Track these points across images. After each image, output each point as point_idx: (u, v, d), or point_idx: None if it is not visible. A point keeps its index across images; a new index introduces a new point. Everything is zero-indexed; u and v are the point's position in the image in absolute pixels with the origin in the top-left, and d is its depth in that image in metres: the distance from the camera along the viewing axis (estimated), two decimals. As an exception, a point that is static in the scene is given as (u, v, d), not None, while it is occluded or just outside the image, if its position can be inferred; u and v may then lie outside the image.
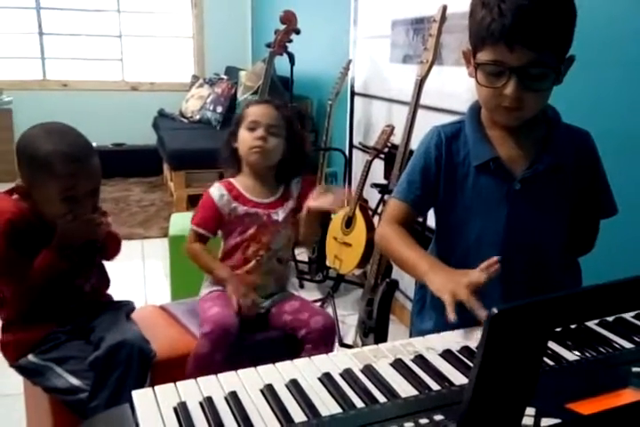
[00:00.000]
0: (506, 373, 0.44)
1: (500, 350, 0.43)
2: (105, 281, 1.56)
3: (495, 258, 0.97)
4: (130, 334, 1.36)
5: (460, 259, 1.13)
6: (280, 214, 1.65)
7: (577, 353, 0.88)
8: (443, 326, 1.03)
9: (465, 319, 0.95)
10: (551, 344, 0.90)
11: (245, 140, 1.62)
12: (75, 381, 1.33)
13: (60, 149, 1.30)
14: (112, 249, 1.53)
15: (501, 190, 1.08)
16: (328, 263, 2.83)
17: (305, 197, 1.69)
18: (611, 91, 1.52)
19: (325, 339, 1.56)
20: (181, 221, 2.41)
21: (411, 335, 1.18)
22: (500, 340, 0.42)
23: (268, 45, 3.07)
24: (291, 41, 3.05)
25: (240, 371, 0.85)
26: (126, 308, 1.54)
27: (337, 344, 2.32)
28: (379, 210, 2.48)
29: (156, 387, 0.81)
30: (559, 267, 1.16)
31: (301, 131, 1.73)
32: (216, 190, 1.64)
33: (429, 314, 1.20)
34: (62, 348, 1.38)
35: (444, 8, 1.90)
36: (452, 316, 0.92)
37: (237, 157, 1.67)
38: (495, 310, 0.41)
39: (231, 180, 1.68)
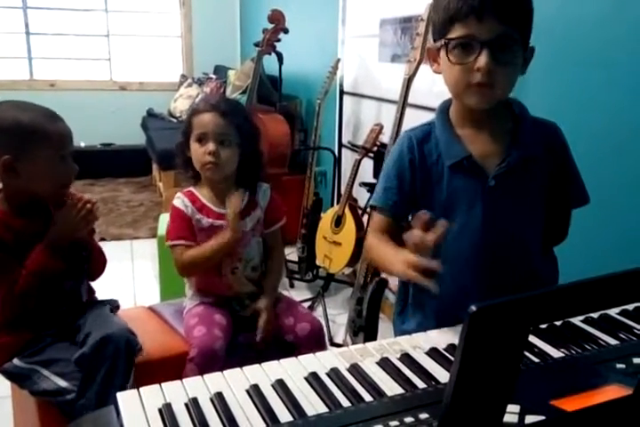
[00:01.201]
0: (486, 370, 0.44)
1: (479, 347, 0.43)
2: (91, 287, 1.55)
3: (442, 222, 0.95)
4: (115, 328, 1.35)
5: (442, 259, 1.13)
6: (248, 224, 1.60)
7: (562, 350, 0.88)
8: (424, 326, 1.05)
9: (446, 320, 0.96)
10: (536, 341, 0.91)
11: (197, 154, 1.55)
12: (62, 382, 1.32)
13: (40, 112, 1.32)
14: (98, 268, 1.51)
15: (476, 188, 1.08)
16: (318, 262, 2.83)
17: (273, 210, 1.67)
18: (597, 90, 1.53)
19: (314, 344, 1.54)
20: (170, 222, 2.41)
21: (394, 336, 1.19)
22: (480, 338, 0.42)
23: (257, 44, 3.06)
24: (279, 40, 3.04)
25: (226, 371, 0.84)
26: (110, 305, 1.53)
27: (327, 343, 2.33)
28: (368, 209, 2.48)
29: (141, 388, 0.80)
30: (537, 258, 1.16)
31: (253, 131, 1.63)
32: (180, 202, 1.58)
33: (412, 314, 1.21)
34: (48, 350, 1.37)
35: (430, 4, 1.90)
36: (433, 288, 0.92)
37: (194, 167, 1.59)
38: (474, 308, 0.41)
39: (193, 190, 1.61)
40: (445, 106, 1.15)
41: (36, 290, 1.32)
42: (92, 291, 1.56)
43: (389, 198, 1.15)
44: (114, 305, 1.55)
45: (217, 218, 1.58)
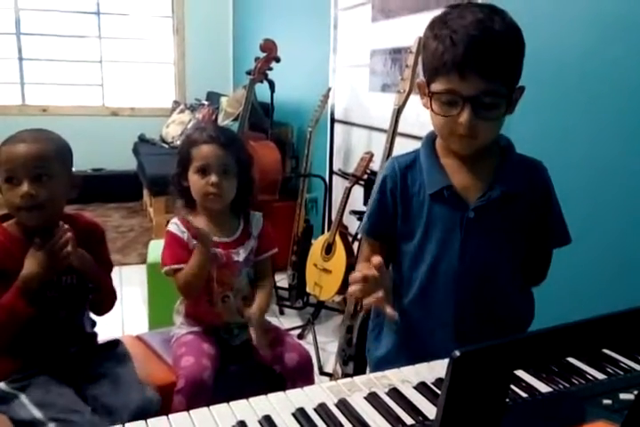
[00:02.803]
0: (470, 413, 0.44)
1: (463, 391, 0.43)
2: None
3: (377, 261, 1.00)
4: (142, 403, 1.31)
5: (417, 288, 1.15)
6: (241, 254, 1.60)
7: (550, 384, 0.88)
8: (398, 352, 1.10)
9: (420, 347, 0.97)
10: (524, 376, 0.91)
11: (198, 186, 1.55)
12: (37, 413, 1.27)
13: (15, 135, 1.31)
14: (106, 304, 1.48)
15: (455, 219, 1.09)
16: (308, 290, 2.82)
17: (265, 239, 1.67)
18: (580, 126, 1.56)
19: (302, 375, 1.54)
20: (160, 248, 2.39)
21: (355, 370, 1.22)
22: (463, 382, 0.43)
23: (249, 73, 3.10)
24: (271, 69, 3.08)
25: (212, 407, 0.83)
26: (122, 355, 1.49)
27: (317, 372, 2.31)
28: (358, 236, 2.49)
29: (126, 425, 0.79)
30: (512, 295, 1.16)
31: (249, 159, 1.65)
32: (176, 227, 1.58)
33: (386, 340, 1.22)
34: (34, 379, 1.34)
35: (420, 39, 1.94)
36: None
37: (190, 197, 1.60)
38: (457, 353, 0.42)
39: (187, 217, 1.60)
40: (432, 135, 1.16)
41: (3, 324, 1.29)
42: (94, 334, 1.53)
43: (372, 226, 1.20)
44: (123, 352, 1.51)
45: (212, 245, 1.57)
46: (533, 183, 1.12)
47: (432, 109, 1.04)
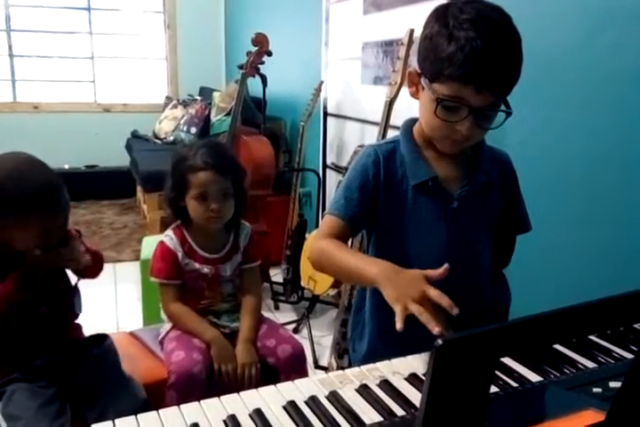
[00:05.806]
0: (454, 402, 0.44)
1: (446, 380, 0.43)
2: (72, 311, 1.48)
3: (446, 266, 0.93)
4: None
5: None
6: (227, 270, 1.63)
7: (540, 373, 0.88)
8: (385, 348, 1.07)
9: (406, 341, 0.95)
10: (514, 364, 0.91)
11: (199, 211, 1.56)
12: (4, 425, 1.25)
13: (29, 192, 1.23)
14: (93, 268, 1.44)
15: (440, 209, 1.11)
16: (303, 284, 2.82)
17: (251, 249, 1.68)
18: (572, 118, 1.56)
19: (295, 367, 1.54)
20: (154, 245, 2.38)
21: (350, 364, 1.17)
22: (446, 371, 0.42)
23: (240, 67, 3.09)
24: (263, 63, 3.07)
25: (203, 401, 0.83)
26: (109, 352, 1.47)
27: (312, 366, 2.31)
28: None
29: (116, 420, 0.79)
30: (491, 280, 1.20)
31: (242, 175, 1.66)
32: (170, 241, 1.60)
33: (370, 335, 1.20)
34: (15, 385, 1.30)
35: (412, 32, 1.93)
36: (399, 325, 0.85)
37: (186, 215, 1.60)
38: (440, 342, 0.41)
39: (182, 229, 1.62)
40: (409, 125, 1.15)
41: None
42: (78, 327, 1.51)
43: (349, 209, 1.11)
44: (110, 348, 1.48)
45: (204, 263, 1.60)
46: (504, 174, 1.17)
47: (435, 113, 1.01)
